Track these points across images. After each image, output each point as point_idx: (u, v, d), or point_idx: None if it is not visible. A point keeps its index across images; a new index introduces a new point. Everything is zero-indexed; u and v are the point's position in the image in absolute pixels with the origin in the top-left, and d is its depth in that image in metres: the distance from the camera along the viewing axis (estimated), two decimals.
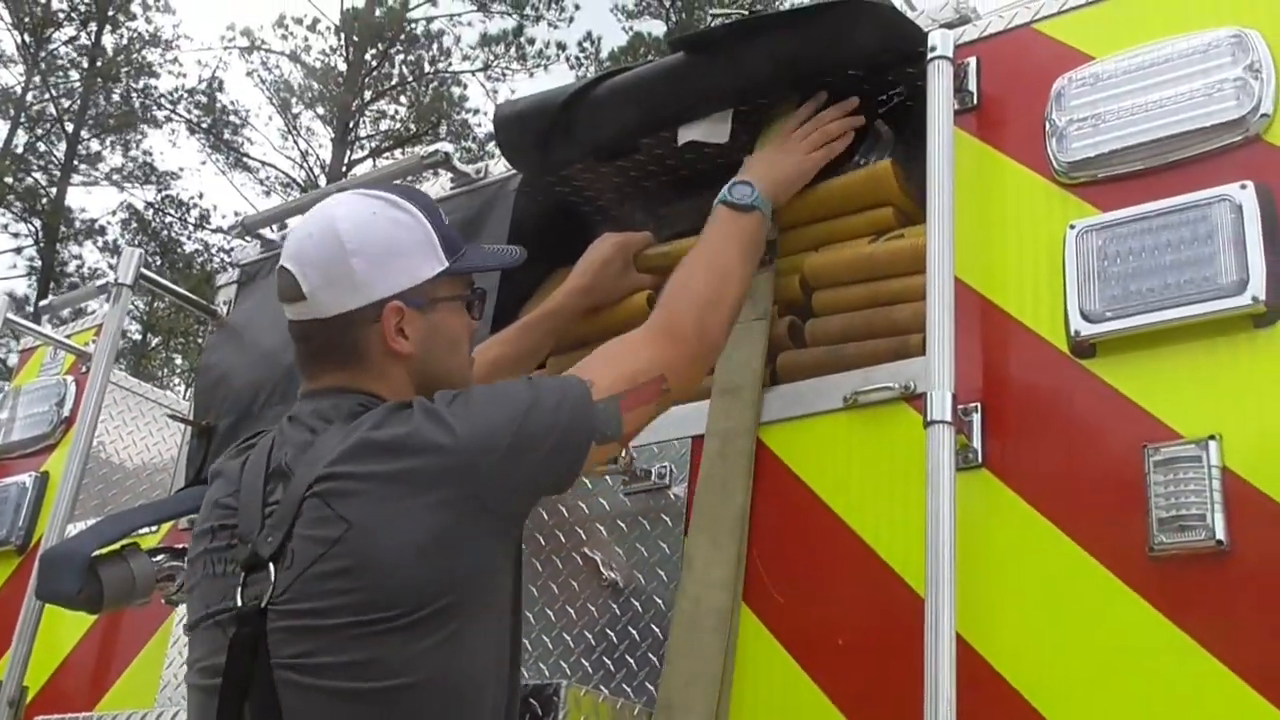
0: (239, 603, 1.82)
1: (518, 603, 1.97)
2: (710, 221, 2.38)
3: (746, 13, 2.75)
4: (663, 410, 2.09)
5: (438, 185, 3.40)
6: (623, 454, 2.45)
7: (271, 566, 1.81)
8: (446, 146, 3.28)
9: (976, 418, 2.19)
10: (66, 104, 27.38)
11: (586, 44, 28.06)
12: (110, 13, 27.18)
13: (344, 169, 26.52)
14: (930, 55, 2.41)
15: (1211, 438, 1.96)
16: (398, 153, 26.83)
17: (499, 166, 3.25)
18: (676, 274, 2.26)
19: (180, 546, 2.27)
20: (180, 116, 28.12)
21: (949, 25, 2.54)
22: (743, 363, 2.52)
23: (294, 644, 1.76)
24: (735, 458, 2.42)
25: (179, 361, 28.68)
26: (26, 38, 26.54)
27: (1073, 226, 2.20)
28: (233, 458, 2.06)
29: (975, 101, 2.45)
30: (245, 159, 28.21)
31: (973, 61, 2.48)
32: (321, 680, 1.74)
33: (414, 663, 1.74)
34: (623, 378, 2.01)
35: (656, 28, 27.72)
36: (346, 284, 1.95)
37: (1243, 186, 2.07)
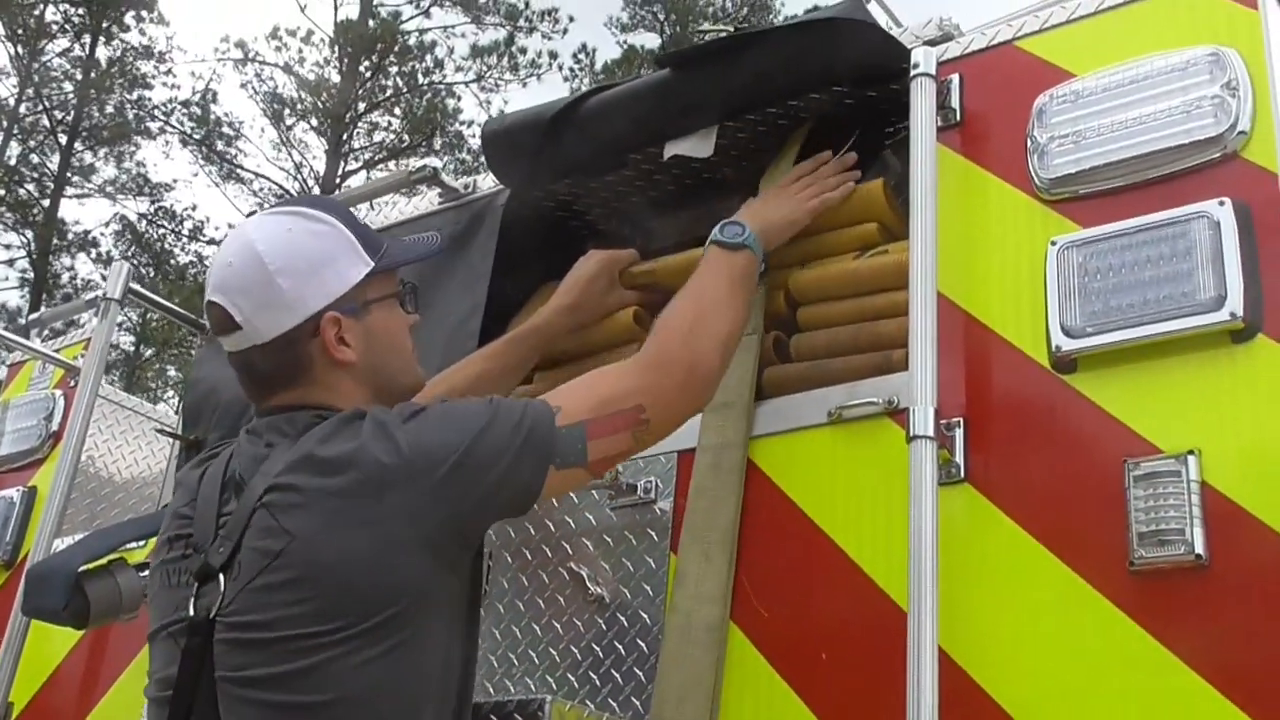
0: (191, 613, 1.83)
1: (472, 621, 1.96)
2: (702, 261, 2.32)
3: (733, 30, 2.77)
4: (645, 442, 2.02)
5: (426, 200, 3.41)
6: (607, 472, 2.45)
7: (221, 577, 1.82)
8: (434, 162, 3.31)
9: (959, 432, 2.20)
10: (60, 116, 27.39)
11: (581, 55, 28.16)
12: (104, 24, 27.20)
13: (338, 180, 26.54)
14: (913, 72, 2.43)
15: (1190, 453, 1.97)
16: (391, 164, 26.89)
17: (488, 181, 3.26)
18: (668, 308, 2.19)
19: None
20: (174, 128, 28.16)
21: (932, 42, 2.56)
22: (735, 377, 2.52)
23: (236, 656, 1.77)
24: (727, 471, 2.43)
25: (172, 373, 28.66)
26: (20, 49, 26.57)
27: (1054, 242, 2.21)
28: (194, 468, 2.06)
29: (958, 118, 2.47)
30: (239, 170, 28.24)
31: (956, 78, 2.49)
32: (259, 693, 1.75)
33: (352, 677, 1.74)
34: (595, 404, 1.96)
35: (650, 40, 27.84)
36: (279, 305, 1.94)
37: (1221, 203, 2.09)
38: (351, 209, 2.17)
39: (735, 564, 2.36)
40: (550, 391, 2.01)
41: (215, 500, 1.91)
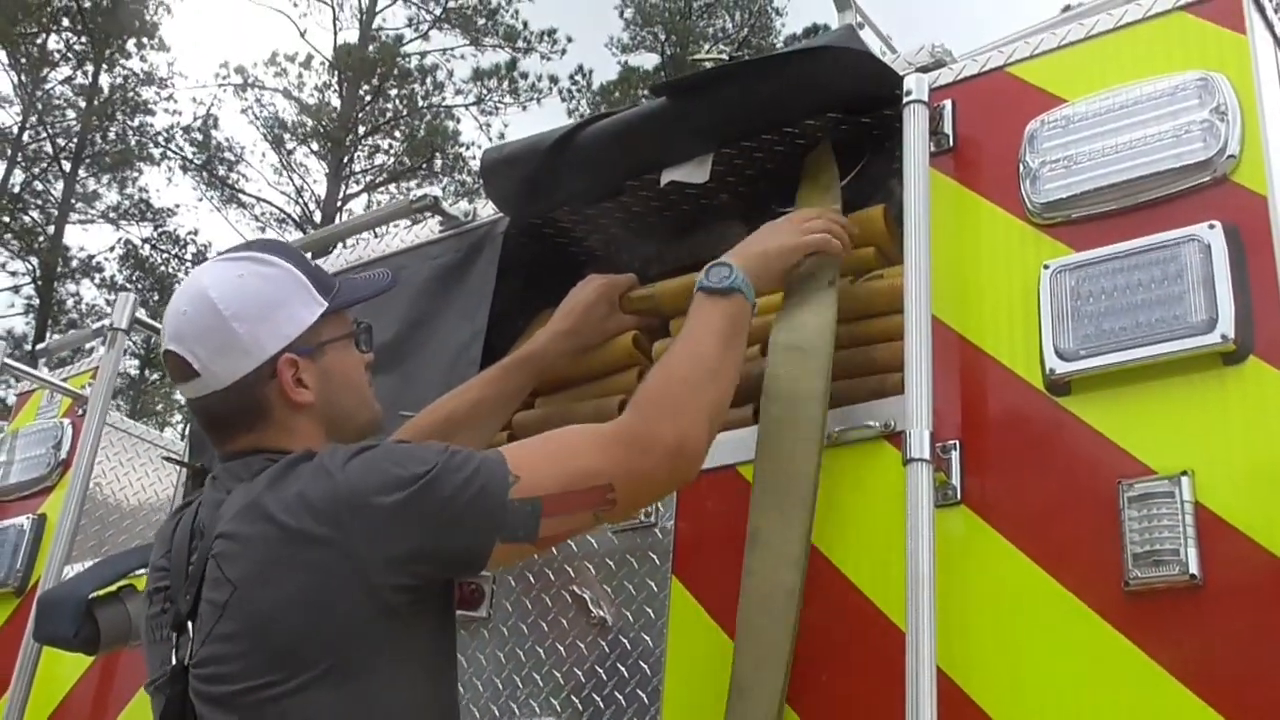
0: (174, 663, 1.86)
1: (443, 664, 1.95)
2: (691, 311, 2.21)
3: (727, 59, 2.81)
4: (605, 520, 1.98)
5: (427, 228, 3.44)
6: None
7: (190, 625, 1.84)
8: (435, 191, 3.33)
9: (955, 455, 2.22)
10: (63, 143, 27.50)
11: (578, 77, 28.27)
12: (107, 52, 27.32)
13: (339, 203, 26.62)
14: (906, 99, 2.46)
15: (1184, 473, 1.99)
16: (392, 187, 26.96)
17: (487, 209, 3.29)
18: (655, 371, 2.10)
19: None
20: (175, 154, 28.26)
21: (924, 69, 2.59)
22: (814, 327, 2.42)
23: (206, 709, 1.80)
24: (805, 424, 2.33)
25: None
26: (23, 78, 26.68)
27: (1047, 266, 2.24)
28: (171, 519, 2.08)
29: (951, 143, 2.49)
30: (240, 195, 28.33)
31: (948, 104, 2.52)
32: None
33: None
34: (559, 478, 1.89)
35: (648, 61, 27.94)
36: (236, 350, 1.95)
37: (1211, 226, 2.11)
38: (306, 252, 2.17)
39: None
40: (515, 446, 1.96)
41: (185, 550, 1.93)
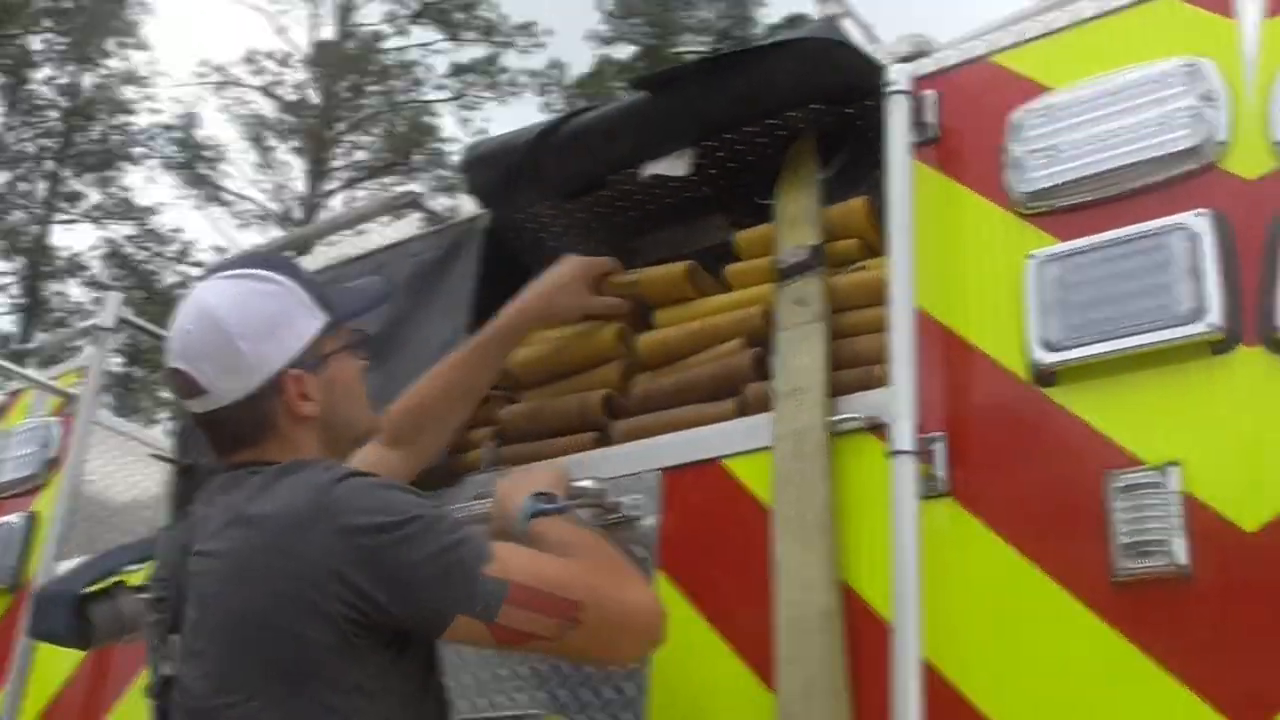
0: (166, 672, 1.90)
1: (414, 699, 1.93)
2: (544, 533, 2.12)
3: (708, 52, 2.80)
4: (569, 644, 1.92)
5: (408, 225, 3.43)
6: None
7: (174, 639, 1.88)
8: (416, 187, 3.33)
9: (941, 447, 2.20)
10: (46, 144, 27.39)
11: (553, 70, 28.20)
12: (88, 52, 27.22)
13: (319, 200, 26.54)
14: (888, 89, 2.44)
15: (1172, 464, 1.98)
16: (371, 183, 26.91)
17: (468, 205, 3.28)
18: (580, 561, 2.01)
19: None
20: (157, 153, 28.15)
21: (907, 59, 2.57)
22: (804, 367, 2.45)
23: None
24: (812, 455, 2.34)
25: (165, 395, 28.61)
26: (4, 78, 26.57)
27: (1032, 256, 2.22)
28: (170, 529, 2.12)
29: (934, 134, 2.47)
30: (221, 192, 28.22)
31: (931, 94, 2.50)
32: None
33: None
34: (533, 575, 1.88)
35: (624, 52, 27.85)
36: (243, 367, 1.98)
37: (1198, 214, 2.09)
38: (307, 254, 2.21)
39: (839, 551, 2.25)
40: (500, 543, 1.96)
41: (177, 564, 1.96)
